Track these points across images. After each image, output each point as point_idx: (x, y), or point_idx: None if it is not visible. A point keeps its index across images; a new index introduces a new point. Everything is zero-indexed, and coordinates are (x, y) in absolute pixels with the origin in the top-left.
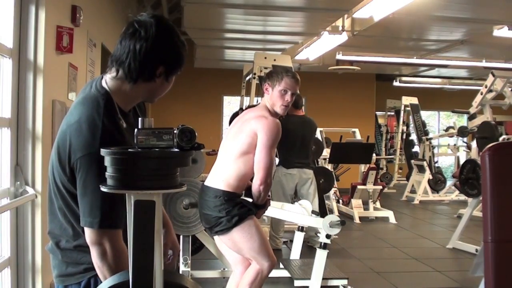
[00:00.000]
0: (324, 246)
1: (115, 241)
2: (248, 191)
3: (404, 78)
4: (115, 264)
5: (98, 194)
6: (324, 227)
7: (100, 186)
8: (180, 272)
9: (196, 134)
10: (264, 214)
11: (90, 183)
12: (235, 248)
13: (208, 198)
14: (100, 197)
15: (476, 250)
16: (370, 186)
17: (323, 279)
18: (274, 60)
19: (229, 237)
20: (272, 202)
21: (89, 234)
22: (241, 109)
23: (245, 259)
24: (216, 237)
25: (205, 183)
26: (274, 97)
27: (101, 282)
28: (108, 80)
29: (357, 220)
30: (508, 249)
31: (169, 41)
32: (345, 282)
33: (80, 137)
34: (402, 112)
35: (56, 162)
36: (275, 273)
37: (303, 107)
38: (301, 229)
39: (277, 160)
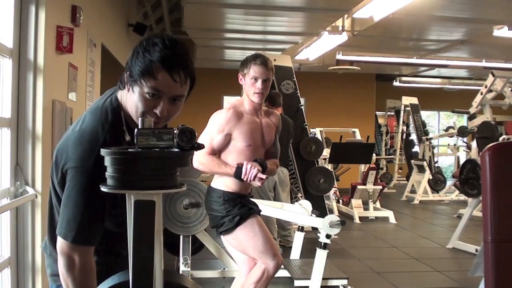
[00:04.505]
0: (324, 246)
1: (85, 257)
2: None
3: (404, 78)
4: (81, 278)
5: (79, 208)
6: (324, 227)
7: (100, 186)
8: (180, 272)
9: (196, 134)
10: (263, 213)
11: (74, 195)
12: (240, 248)
13: (211, 199)
14: (80, 211)
15: (476, 250)
16: (370, 186)
17: (323, 279)
18: (274, 60)
19: (233, 237)
20: (271, 202)
21: (60, 244)
22: None
23: (251, 259)
24: (222, 238)
25: (210, 184)
26: (247, 86)
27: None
28: (123, 94)
29: (357, 220)
30: (508, 249)
31: (136, 48)
32: (345, 282)
33: (78, 147)
34: (402, 112)
35: (54, 163)
36: None
37: (281, 106)
38: (301, 229)
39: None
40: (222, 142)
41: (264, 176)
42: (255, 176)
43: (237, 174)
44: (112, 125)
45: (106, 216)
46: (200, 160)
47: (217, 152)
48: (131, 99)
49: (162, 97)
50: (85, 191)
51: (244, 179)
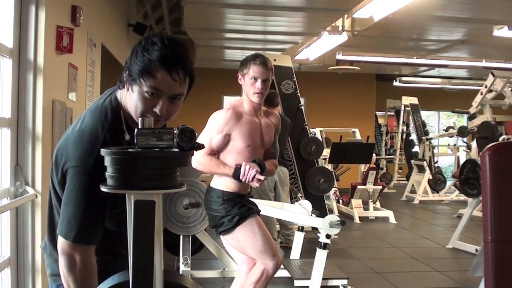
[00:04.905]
0: (324, 246)
1: (86, 256)
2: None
3: (404, 78)
4: (82, 277)
5: (80, 208)
6: (324, 227)
7: (100, 186)
8: (180, 272)
9: (196, 134)
10: (263, 213)
11: (74, 195)
12: (239, 248)
13: (210, 199)
14: (81, 211)
15: (476, 250)
16: (370, 186)
17: (323, 279)
18: (274, 60)
19: (233, 237)
20: (272, 202)
21: (61, 244)
22: None
23: (250, 259)
24: (221, 238)
25: (210, 184)
26: (247, 86)
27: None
28: (123, 93)
29: (357, 220)
30: (508, 249)
31: (135, 47)
32: (345, 282)
33: (78, 147)
34: (402, 112)
35: (53, 163)
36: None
37: (278, 105)
38: (301, 229)
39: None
40: (221, 143)
41: (262, 177)
42: (254, 177)
43: (236, 175)
44: (111, 125)
45: (106, 216)
46: (199, 160)
47: (216, 152)
48: (130, 98)
49: (162, 96)
50: (86, 190)
51: (243, 180)
